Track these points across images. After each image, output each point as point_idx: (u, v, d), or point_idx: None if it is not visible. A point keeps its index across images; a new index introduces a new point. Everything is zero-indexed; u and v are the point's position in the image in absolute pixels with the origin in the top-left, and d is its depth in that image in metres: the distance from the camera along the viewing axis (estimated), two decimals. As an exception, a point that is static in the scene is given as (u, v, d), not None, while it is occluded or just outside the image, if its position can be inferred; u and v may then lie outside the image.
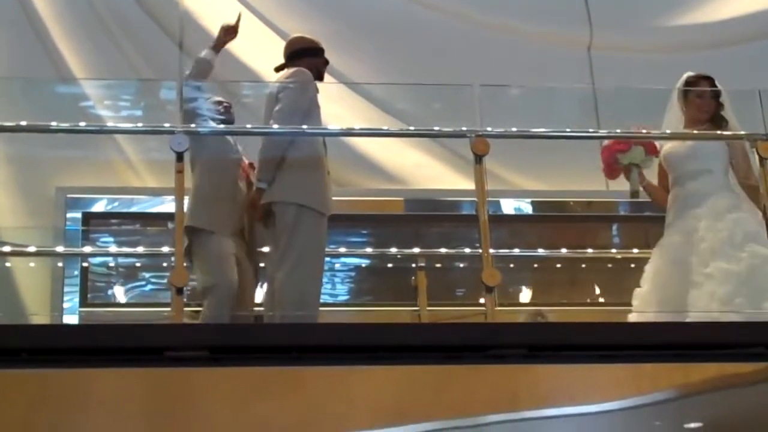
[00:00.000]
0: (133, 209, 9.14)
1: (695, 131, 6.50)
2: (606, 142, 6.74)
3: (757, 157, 6.03)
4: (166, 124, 6.43)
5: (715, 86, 6.57)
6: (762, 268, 6.06)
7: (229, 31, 6.61)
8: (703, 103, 6.53)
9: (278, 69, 6.58)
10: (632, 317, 6.30)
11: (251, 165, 6.54)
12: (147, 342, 4.99)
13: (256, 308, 6.41)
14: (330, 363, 5.07)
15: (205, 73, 6.52)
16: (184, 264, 5.84)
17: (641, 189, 6.67)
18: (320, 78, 6.50)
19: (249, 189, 6.45)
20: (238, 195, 6.44)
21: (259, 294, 6.53)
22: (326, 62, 6.60)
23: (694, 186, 6.40)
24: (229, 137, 6.56)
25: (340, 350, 5.12)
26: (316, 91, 6.42)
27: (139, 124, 7.58)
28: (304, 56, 6.51)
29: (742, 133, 6.33)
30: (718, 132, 6.42)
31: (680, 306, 6.05)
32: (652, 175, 6.63)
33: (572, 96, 9.24)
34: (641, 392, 5.22)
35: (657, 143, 6.66)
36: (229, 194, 6.39)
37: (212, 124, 6.52)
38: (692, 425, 5.25)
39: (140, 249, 8.28)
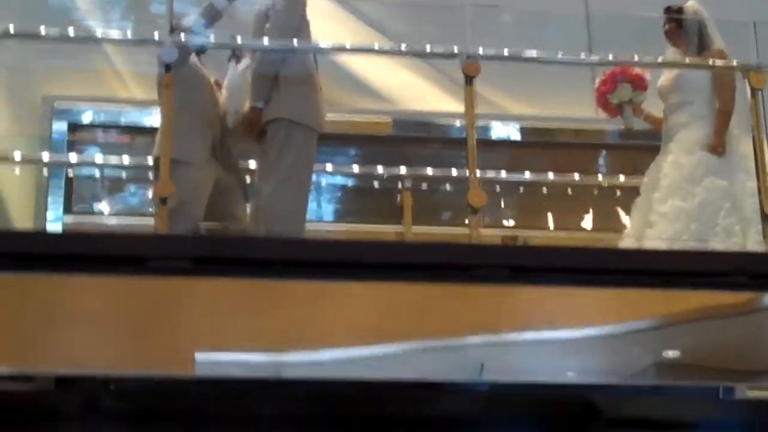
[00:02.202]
0: (121, 121, 9.10)
1: (687, 60, 6.51)
2: (598, 84, 6.76)
3: (748, 87, 6.02)
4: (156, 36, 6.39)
5: (675, 14, 6.57)
6: (715, 201, 6.09)
7: None
8: (666, 32, 6.56)
9: None
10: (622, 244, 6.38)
11: (217, 83, 6.51)
12: (129, 251, 4.98)
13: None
14: (313, 278, 5.06)
15: (214, 20, 6.43)
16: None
17: (640, 122, 6.73)
18: None
19: (216, 104, 6.41)
20: (210, 114, 6.39)
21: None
22: None
23: (674, 118, 6.46)
24: (195, 59, 6.48)
25: (323, 265, 5.10)
26: (305, 5, 6.37)
27: (129, 34, 7.51)
28: None
29: (735, 63, 6.31)
30: (710, 61, 6.42)
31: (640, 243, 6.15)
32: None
33: (565, 21, 9.18)
34: (622, 319, 5.23)
35: (647, 76, 6.67)
36: (201, 115, 6.35)
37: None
38: (671, 353, 5.27)
39: (126, 160, 8.23)
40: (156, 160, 6.09)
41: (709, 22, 6.54)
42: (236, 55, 6.70)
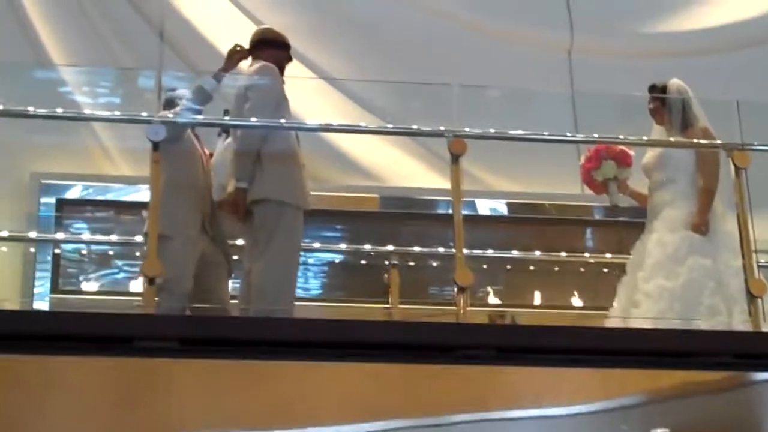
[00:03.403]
0: (108, 197, 9.10)
1: (672, 139, 6.55)
2: (583, 161, 6.80)
3: (732, 167, 6.06)
4: (144, 113, 6.42)
5: (659, 92, 6.63)
6: (699, 281, 6.11)
7: (233, 61, 6.57)
8: (650, 110, 6.63)
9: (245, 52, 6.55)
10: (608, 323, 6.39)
11: (211, 155, 6.55)
12: (116, 331, 4.98)
13: (231, 300, 6.41)
14: (300, 358, 5.07)
15: (204, 103, 6.47)
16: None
17: (626, 198, 6.77)
18: (282, 72, 6.48)
19: (207, 178, 6.45)
20: (201, 189, 6.41)
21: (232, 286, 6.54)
22: (290, 58, 6.58)
23: (658, 196, 6.50)
24: (191, 132, 6.51)
25: (310, 345, 5.12)
26: (283, 83, 6.42)
27: (117, 112, 7.55)
28: (270, 47, 6.48)
29: (719, 142, 6.36)
30: (695, 141, 6.46)
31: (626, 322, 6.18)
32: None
33: (551, 99, 9.26)
34: (609, 397, 5.24)
35: (632, 153, 6.72)
36: (193, 191, 6.36)
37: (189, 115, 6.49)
38: (659, 431, 5.27)
39: (113, 237, 8.23)
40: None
41: (693, 101, 6.59)
42: (225, 130, 6.74)
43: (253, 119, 6.24)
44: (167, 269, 5.90)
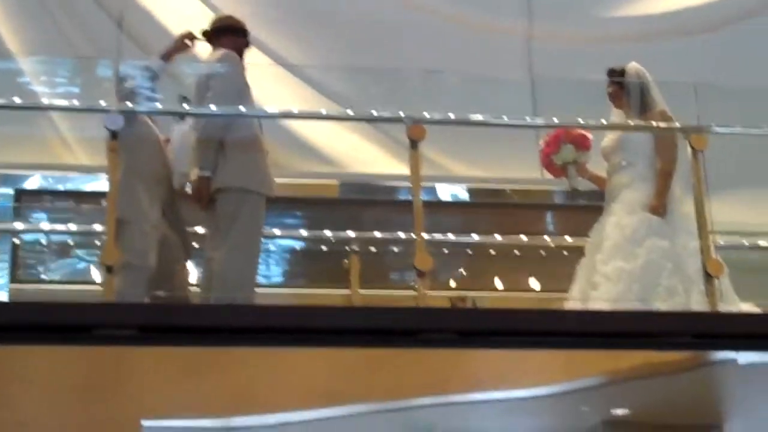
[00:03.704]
0: (68, 186, 9.07)
1: (631, 123, 6.59)
2: (542, 145, 6.83)
3: (689, 149, 6.10)
4: (102, 102, 6.39)
5: (618, 76, 6.67)
6: (657, 262, 6.15)
7: (182, 46, 6.55)
8: (609, 94, 6.67)
9: (204, 34, 6.54)
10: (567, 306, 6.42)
11: (167, 140, 6.54)
12: (75, 320, 4.96)
13: (190, 286, 6.40)
14: (261, 344, 5.07)
15: (153, 80, 6.44)
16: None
17: (585, 182, 6.80)
18: (241, 59, 6.45)
19: (165, 163, 6.44)
20: (159, 174, 6.40)
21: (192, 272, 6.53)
22: (248, 44, 6.56)
23: (617, 179, 6.54)
24: (146, 117, 6.49)
25: (271, 332, 5.12)
26: (244, 69, 6.40)
27: (75, 102, 7.51)
28: (229, 34, 6.47)
29: (676, 125, 6.39)
30: (654, 124, 6.49)
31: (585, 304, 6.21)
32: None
33: (511, 85, 9.29)
34: (570, 378, 5.27)
35: (590, 137, 6.75)
36: (152, 177, 6.34)
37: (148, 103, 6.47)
38: (619, 411, 5.31)
39: (72, 226, 8.19)
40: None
41: (651, 84, 6.62)
42: (183, 116, 6.71)
43: (214, 107, 6.22)
44: (128, 254, 5.89)
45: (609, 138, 6.68)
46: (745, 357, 5.39)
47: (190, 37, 6.52)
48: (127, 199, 6.07)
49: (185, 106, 6.88)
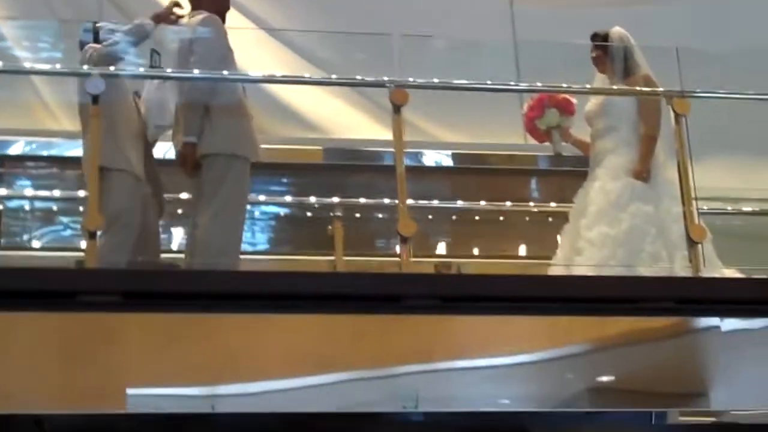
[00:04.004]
0: (52, 152, 9.02)
1: (614, 87, 6.58)
2: (526, 110, 6.81)
3: (672, 113, 6.08)
4: (85, 66, 6.35)
5: (602, 40, 6.66)
6: (641, 227, 6.16)
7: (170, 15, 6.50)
8: (593, 59, 6.65)
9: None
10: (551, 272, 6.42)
11: (137, 93, 6.54)
12: (58, 286, 4.94)
13: (168, 254, 6.38)
14: (245, 311, 5.05)
15: (141, 40, 6.39)
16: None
17: (570, 147, 6.80)
18: (223, 22, 6.42)
19: (139, 116, 6.42)
20: (134, 126, 6.36)
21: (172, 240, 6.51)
22: (228, 7, 6.52)
23: (601, 144, 6.53)
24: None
25: (255, 298, 5.10)
26: (226, 34, 6.36)
27: (58, 66, 7.47)
28: None
29: (660, 89, 6.38)
30: (639, 88, 6.49)
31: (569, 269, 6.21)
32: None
33: (494, 50, 9.25)
34: (555, 345, 5.27)
35: (574, 101, 6.74)
36: (131, 130, 6.31)
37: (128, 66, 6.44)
38: (603, 378, 5.31)
39: (56, 193, 8.16)
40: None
41: (635, 48, 6.62)
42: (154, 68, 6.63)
43: (197, 71, 6.18)
44: (111, 203, 5.88)
45: (592, 102, 6.67)
46: (728, 324, 5.40)
47: (178, 5, 6.47)
48: (111, 147, 6.05)
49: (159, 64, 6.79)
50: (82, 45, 6.55)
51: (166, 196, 6.69)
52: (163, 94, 6.41)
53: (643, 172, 6.31)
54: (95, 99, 5.76)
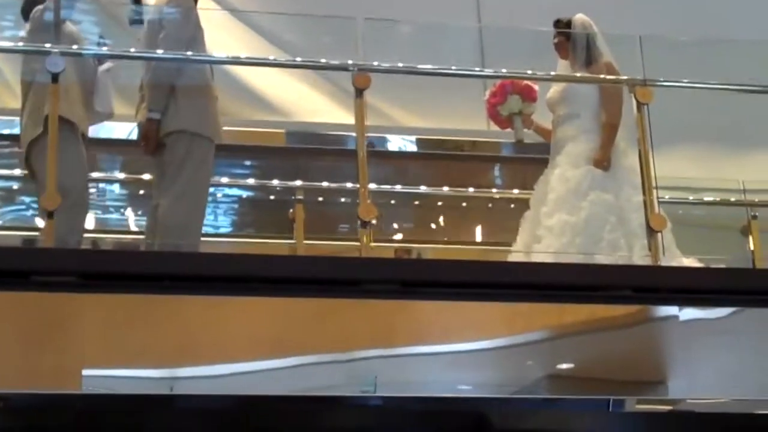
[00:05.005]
0: (14, 131, 8.94)
1: (578, 74, 6.58)
2: (488, 96, 6.81)
3: (634, 102, 6.09)
4: (47, 45, 6.30)
5: (564, 26, 6.66)
6: (600, 215, 6.17)
7: None
8: (555, 45, 6.66)
9: None
10: (511, 258, 6.42)
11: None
12: (12, 265, 4.89)
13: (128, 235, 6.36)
14: (204, 293, 5.03)
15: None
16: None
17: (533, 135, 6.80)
18: (195, 1, 6.39)
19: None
20: (81, 116, 6.30)
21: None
22: None
23: (562, 131, 6.54)
24: None
25: (214, 280, 5.08)
26: (197, 14, 6.32)
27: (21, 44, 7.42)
28: None
29: (624, 77, 6.39)
30: (601, 76, 6.49)
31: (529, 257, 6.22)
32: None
33: (458, 34, 9.23)
34: (515, 332, 5.27)
35: (536, 88, 6.74)
36: (77, 115, 6.25)
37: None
38: (562, 365, 5.33)
39: (17, 171, 8.09)
40: None
41: (598, 36, 6.62)
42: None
43: (160, 51, 6.14)
44: (68, 181, 5.84)
45: (554, 89, 6.68)
46: (686, 313, 5.43)
47: None
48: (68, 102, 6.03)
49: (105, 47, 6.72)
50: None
51: (126, 176, 6.65)
52: (105, 80, 6.37)
53: (603, 160, 6.32)
54: (55, 77, 5.70)
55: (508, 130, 6.92)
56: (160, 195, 6.11)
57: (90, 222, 7.75)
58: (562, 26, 6.69)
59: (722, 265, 6.32)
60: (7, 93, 9.02)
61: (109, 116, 6.56)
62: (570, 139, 6.44)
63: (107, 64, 6.47)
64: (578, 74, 6.59)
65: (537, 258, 6.11)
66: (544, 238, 6.17)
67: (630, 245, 6.08)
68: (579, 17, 6.67)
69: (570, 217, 6.17)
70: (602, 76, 6.48)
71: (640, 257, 5.96)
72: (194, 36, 6.23)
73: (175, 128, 6.06)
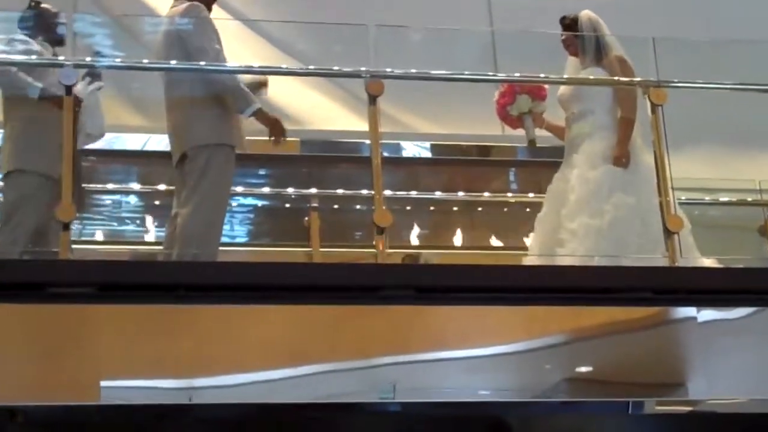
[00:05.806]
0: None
1: (591, 77, 6.55)
2: (497, 97, 6.80)
3: (648, 103, 6.07)
4: (61, 57, 6.31)
5: (570, 22, 6.64)
6: (625, 219, 6.11)
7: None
8: (563, 42, 6.63)
9: None
10: (526, 261, 6.38)
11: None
12: (30, 277, 4.91)
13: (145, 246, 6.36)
14: (221, 302, 5.04)
15: None
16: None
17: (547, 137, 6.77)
18: (209, 9, 6.36)
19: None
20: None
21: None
22: None
23: (576, 128, 6.47)
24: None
25: (231, 289, 5.09)
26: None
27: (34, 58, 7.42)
28: None
29: (637, 79, 6.36)
30: (616, 78, 6.45)
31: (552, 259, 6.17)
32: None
33: (471, 39, 9.23)
34: (532, 335, 5.26)
35: (546, 87, 6.72)
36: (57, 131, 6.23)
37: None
38: (581, 369, 5.31)
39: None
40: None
41: (605, 30, 6.58)
42: (94, 74, 6.52)
43: (174, 62, 6.13)
44: (15, 204, 5.97)
45: (566, 86, 6.63)
46: (705, 314, 5.41)
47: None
48: (26, 149, 6.13)
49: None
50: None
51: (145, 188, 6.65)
52: (96, 100, 6.37)
53: (622, 156, 6.23)
54: (68, 90, 5.70)
55: (522, 132, 6.90)
56: (180, 204, 6.10)
57: (105, 233, 7.80)
58: (569, 22, 6.65)
59: (741, 266, 6.29)
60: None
61: (101, 136, 6.56)
62: (585, 137, 6.37)
63: (96, 84, 6.43)
64: (589, 71, 6.53)
65: (562, 263, 6.06)
66: (567, 241, 6.10)
67: (654, 250, 6.01)
68: (585, 13, 6.62)
69: (592, 221, 6.09)
70: (617, 78, 6.42)
71: (659, 259, 5.92)
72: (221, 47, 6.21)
73: (198, 142, 6.06)
